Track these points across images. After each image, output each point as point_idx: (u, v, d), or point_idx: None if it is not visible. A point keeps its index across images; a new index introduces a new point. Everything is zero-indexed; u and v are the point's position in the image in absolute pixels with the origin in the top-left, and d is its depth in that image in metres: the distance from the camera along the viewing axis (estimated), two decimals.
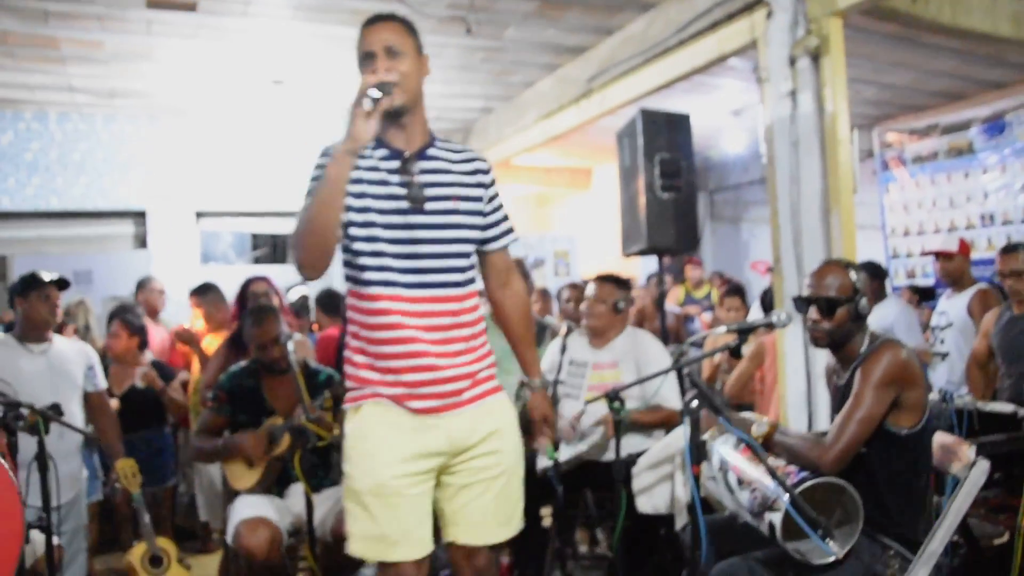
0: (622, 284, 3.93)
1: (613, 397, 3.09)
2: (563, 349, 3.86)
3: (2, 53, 5.67)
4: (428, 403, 2.23)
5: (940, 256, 4.88)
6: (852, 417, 2.36)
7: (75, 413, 3.81)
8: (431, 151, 2.31)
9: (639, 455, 3.47)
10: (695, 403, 2.40)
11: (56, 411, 2.93)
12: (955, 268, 4.82)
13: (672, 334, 6.00)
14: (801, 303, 2.62)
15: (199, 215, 7.77)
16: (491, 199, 2.40)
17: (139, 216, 7.50)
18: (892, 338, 2.53)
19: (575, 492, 4.09)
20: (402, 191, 2.23)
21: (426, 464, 2.22)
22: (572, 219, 10.81)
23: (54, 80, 6.31)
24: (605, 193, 9.31)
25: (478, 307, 2.36)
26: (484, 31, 5.47)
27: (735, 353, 4.37)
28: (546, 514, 4.26)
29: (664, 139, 4.56)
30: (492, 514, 2.30)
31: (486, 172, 2.38)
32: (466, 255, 2.32)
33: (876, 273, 4.98)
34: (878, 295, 4.88)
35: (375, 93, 2.08)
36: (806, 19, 4.11)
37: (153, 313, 5.74)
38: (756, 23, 4.36)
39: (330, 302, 5.27)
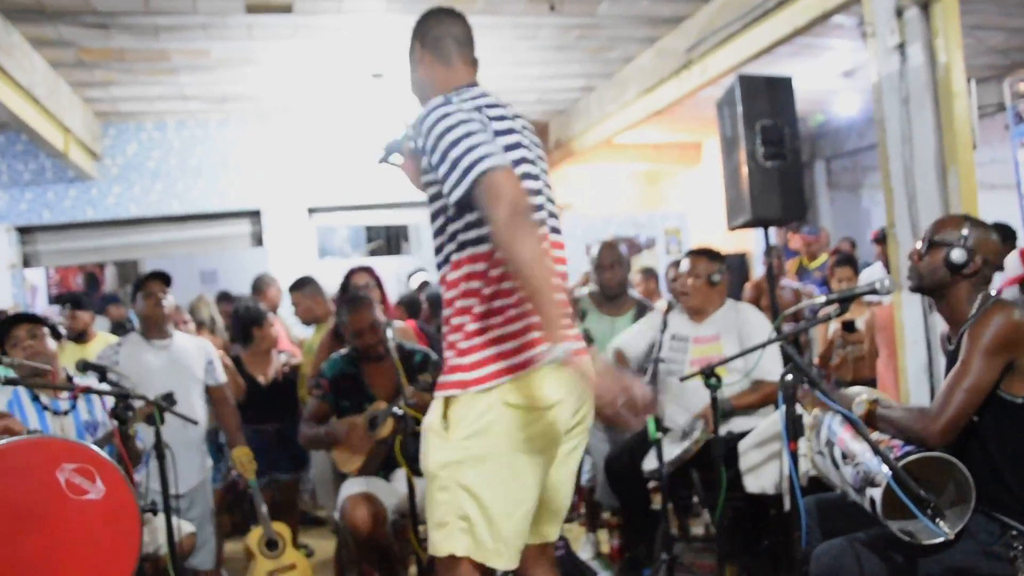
0: (716, 257, 3.81)
1: (708, 373, 2.99)
2: (664, 327, 3.77)
3: (121, 69, 6.00)
4: None
5: None
6: (958, 385, 2.19)
7: (196, 405, 3.99)
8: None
9: (744, 434, 3.36)
10: (790, 377, 2.29)
11: (168, 401, 3.05)
12: None
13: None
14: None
15: (311, 211, 8.00)
16: (430, 160, 2.07)
17: (254, 215, 7.80)
18: (1004, 299, 2.33)
19: (683, 474, 4.01)
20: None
21: None
22: (683, 196, 10.57)
23: (168, 90, 6.62)
24: (715, 167, 9.06)
25: (456, 283, 2.11)
26: (577, 8, 5.39)
27: (849, 327, 4.18)
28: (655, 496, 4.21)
29: (765, 105, 4.36)
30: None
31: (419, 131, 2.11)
32: (438, 232, 2.15)
33: (1007, 235, 4.65)
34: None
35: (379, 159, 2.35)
36: None
37: (272, 309, 5.97)
38: None
39: None
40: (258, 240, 7.83)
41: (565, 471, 2.20)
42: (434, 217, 2.13)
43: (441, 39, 2.25)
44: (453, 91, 2.13)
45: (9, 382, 2.54)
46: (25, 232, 7.50)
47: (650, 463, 3.45)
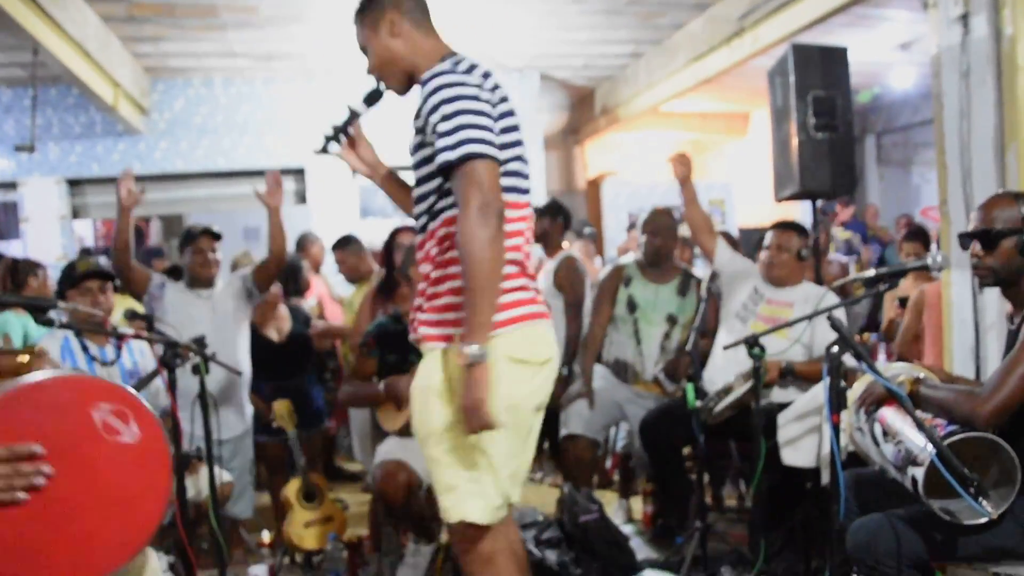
0: (804, 232, 3.80)
1: (752, 343, 2.97)
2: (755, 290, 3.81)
3: (170, 25, 6.03)
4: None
5: None
6: (1015, 370, 2.12)
7: (240, 354, 4.06)
8: (417, 88, 2.17)
9: (784, 406, 3.33)
10: (836, 349, 2.27)
11: (200, 345, 3.07)
12: None
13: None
14: (964, 239, 2.40)
15: (356, 170, 7.99)
16: (424, 125, 2.07)
17: (298, 173, 7.83)
18: None
19: (720, 443, 4.00)
20: None
21: None
22: (728, 167, 10.44)
23: (217, 47, 6.66)
24: (762, 138, 8.92)
25: (440, 242, 2.13)
26: None
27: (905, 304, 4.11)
28: (690, 465, 4.21)
29: (818, 75, 4.28)
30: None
31: (420, 96, 2.09)
32: (430, 193, 2.14)
33: None
34: None
35: (324, 144, 2.35)
36: None
37: (316, 267, 6.02)
38: None
39: None
40: (301, 198, 7.88)
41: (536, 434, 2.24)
42: (426, 175, 2.13)
43: (419, 6, 2.21)
44: (449, 60, 2.12)
45: (64, 326, 2.59)
46: (75, 184, 7.63)
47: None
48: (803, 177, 4.26)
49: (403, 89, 2.24)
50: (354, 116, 2.34)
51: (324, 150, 2.36)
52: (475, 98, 2.02)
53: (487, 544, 2.10)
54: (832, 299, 3.69)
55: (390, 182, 2.45)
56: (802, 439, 3.26)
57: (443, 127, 1.98)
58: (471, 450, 2.03)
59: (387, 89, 2.25)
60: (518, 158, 2.15)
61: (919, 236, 4.92)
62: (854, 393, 2.53)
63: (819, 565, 3.26)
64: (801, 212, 8.35)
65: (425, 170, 2.13)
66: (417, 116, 2.09)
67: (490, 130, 2.01)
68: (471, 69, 2.11)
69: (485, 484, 2.05)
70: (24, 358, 1.96)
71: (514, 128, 2.14)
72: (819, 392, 3.23)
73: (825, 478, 3.11)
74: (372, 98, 2.32)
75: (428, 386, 2.08)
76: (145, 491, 1.69)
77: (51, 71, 6.00)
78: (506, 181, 2.07)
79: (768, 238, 3.85)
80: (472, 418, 1.93)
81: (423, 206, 2.16)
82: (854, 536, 2.25)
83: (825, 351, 2.35)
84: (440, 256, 2.10)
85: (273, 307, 4.60)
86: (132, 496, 1.66)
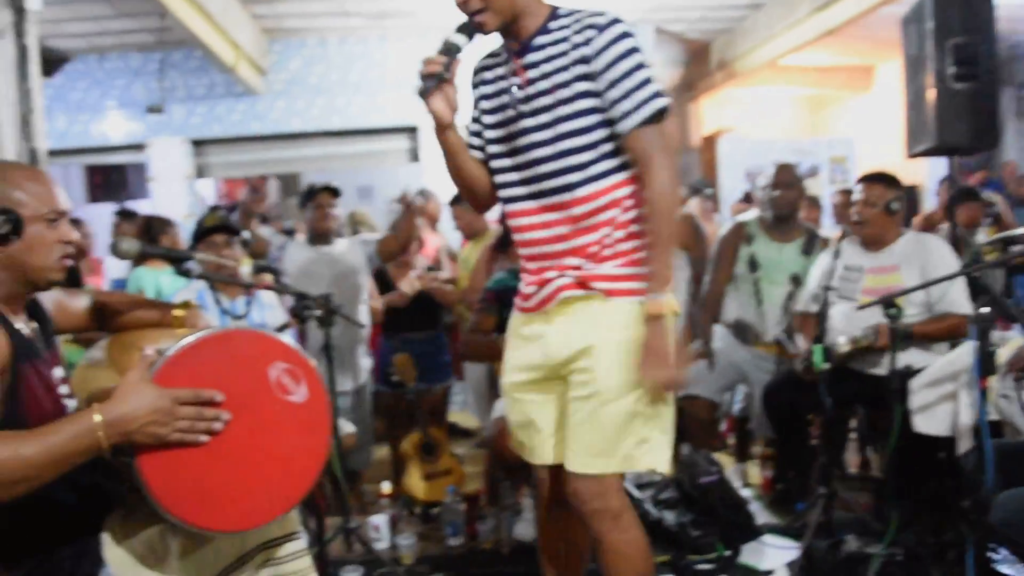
0: (893, 182, 3.56)
1: (888, 303, 2.82)
2: (837, 254, 3.60)
3: None
4: (526, 302, 2.18)
5: None
6: None
7: (360, 307, 4.16)
8: (539, 39, 2.07)
9: (917, 371, 3.18)
10: (985, 310, 2.13)
11: (327, 299, 3.13)
12: None
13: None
14: None
15: (441, 119, 8.00)
16: (602, 72, 1.98)
17: (411, 131, 7.87)
18: None
19: (846, 407, 3.86)
20: (507, 98, 2.11)
21: (528, 376, 2.20)
22: (850, 123, 10.00)
23: (331, 6, 6.74)
24: (889, 93, 8.52)
25: (613, 204, 2.07)
26: None
27: None
28: (814, 429, 4.09)
29: (959, 21, 4.00)
30: (577, 439, 2.08)
31: (588, 42, 1.98)
32: (579, 149, 2.03)
33: None
34: None
35: (426, 84, 2.01)
36: None
37: (432, 223, 6.07)
38: None
39: None
40: (414, 156, 7.93)
41: None
42: (581, 128, 2.04)
43: None
44: (563, 9, 2.08)
45: (201, 277, 2.69)
46: (198, 145, 7.89)
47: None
48: (940, 131, 4.01)
49: (497, 27, 2.09)
50: (457, 51, 2.06)
51: (428, 90, 2.04)
52: (641, 49, 2.01)
53: (617, 500, 2.09)
54: (938, 244, 3.49)
55: (456, 136, 2.19)
56: (936, 406, 3.11)
57: (638, 77, 1.96)
58: (659, 401, 2.05)
59: (480, 24, 2.06)
60: None
61: None
62: (1001, 357, 2.39)
63: (951, 539, 3.12)
64: (932, 169, 7.98)
65: (580, 122, 2.03)
66: (584, 61, 1.99)
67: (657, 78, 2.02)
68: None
69: (669, 434, 2.11)
70: (180, 312, 2.03)
71: None
72: (955, 357, 3.07)
73: (962, 448, 2.97)
74: (471, 31, 2.07)
75: (623, 340, 2.04)
76: (305, 451, 1.76)
77: (176, 35, 6.20)
78: None
79: (855, 193, 3.64)
80: (662, 368, 1.96)
81: (569, 161, 2.05)
82: (1003, 508, 2.13)
83: (974, 313, 2.22)
84: (617, 219, 2.07)
85: (408, 265, 4.68)
86: (293, 453, 1.73)
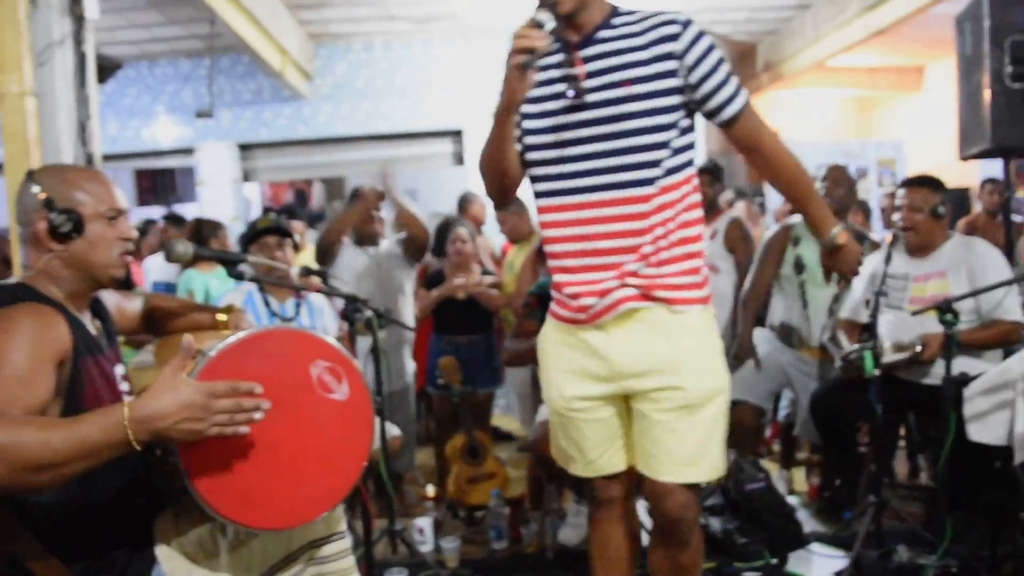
0: (938, 186, 3.49)
1: (945, 309, 2.77)
2: (888, 258, 3.53)
3: None
4: (576, 314, 2.13)
5: None
6: None
7: (404, 310, 4.18)
8: (603, 32, 2.02)
9: (973, 378, 3.10)
10: None
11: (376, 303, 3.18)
12: None
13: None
14: None
15: (514, 105, 8.00)
16: (695, 66, 1.98)
17: (456, 135, 7.91)
18: None
19: (896, 414, 3.79)
20: (558, 90, 2.05)
21: (588, 391, 2.14)
22: (899, 125, 9.82)
23: (376, 12, 6.80)
24: (939, 93, 8.37)
25: (669, 205, 2.04)
26: None
27: None
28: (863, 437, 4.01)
29: (1017, 19, 3.91)
30: (666, 450, 2.06)
31: (674, 37, 1.96)
32: (655, 146, 1.99)
33: None
34: None
35: (528, 59, 1.88)
36: None
37: (477, 226, 6.09)
38: None
39: None
40: (459, 159, 7.96)
41: None
42: (652, 127, 2.00)
43: None
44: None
45: (253, 279, 2.72)
46: (245, 149, 8.01)
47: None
48: (995, 132, 3.91)
49: (572, 9, 2.00)
50: (542, 28, 1.92)
51: (530, 64, 1.91)
52: None
53: (697, 508, 2.13)
54: (986, 249, 3.40)
55: (512, 127, 2.12)
56: (991, 414, 3.03)
57: (723, 72, 2.03)
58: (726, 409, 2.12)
59: (556, 3, 1.95)
60: None
61: None
62: None
63: (1007, 551, 3.05)
64: (983, 172, 7.79)
65: (650, 120, 2.00)
66: (671, 56, 1.97)
67: None
68: None
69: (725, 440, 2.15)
70: (223, 316, 2.05)
71: None
72: (1012, 364, 3.00)
73: (1019, 457, 2.89)
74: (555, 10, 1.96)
75: (706, 345, 2.09)
76: (348, 449, 1.76)
77: (225, 41, 6.29)
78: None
79: (897, 198, 3.56)
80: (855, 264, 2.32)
81: (631, 158, 2.01)
82: None
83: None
84: (676, 219, 2.05)
85: (461, 267, 4.67)
86: (335, 451, 1.74)
